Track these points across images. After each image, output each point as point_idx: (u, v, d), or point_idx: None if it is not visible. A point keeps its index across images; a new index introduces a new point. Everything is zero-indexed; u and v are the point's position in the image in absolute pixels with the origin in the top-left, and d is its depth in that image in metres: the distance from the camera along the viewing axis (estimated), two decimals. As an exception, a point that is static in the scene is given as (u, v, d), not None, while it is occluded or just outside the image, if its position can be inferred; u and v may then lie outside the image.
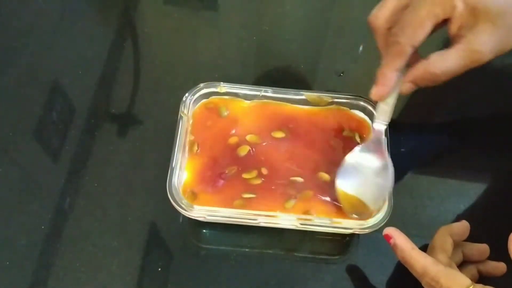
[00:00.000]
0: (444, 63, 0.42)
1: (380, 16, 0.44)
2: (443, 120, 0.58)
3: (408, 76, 0.43)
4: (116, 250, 0.47)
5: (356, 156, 0.47)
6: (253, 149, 0.49)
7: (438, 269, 0.39)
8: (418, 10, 0.40)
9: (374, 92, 0.44)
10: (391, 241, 0.42)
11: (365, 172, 0.47)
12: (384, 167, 0.46)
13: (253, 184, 0.47)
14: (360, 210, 0.46)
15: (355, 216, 0.46)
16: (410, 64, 0.43)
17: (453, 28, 0.41)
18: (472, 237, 0.45)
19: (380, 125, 0.46)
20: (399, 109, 0.58)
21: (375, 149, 0.47)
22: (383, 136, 0.47)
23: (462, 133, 0.58)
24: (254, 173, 0.48)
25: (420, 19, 0.40)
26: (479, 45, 0.40)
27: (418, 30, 0.41)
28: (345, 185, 0.46)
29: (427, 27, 0.41)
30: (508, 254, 0.39)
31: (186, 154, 0.48)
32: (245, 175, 0.48)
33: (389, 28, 0.43)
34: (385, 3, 0.44)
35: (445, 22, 0.41)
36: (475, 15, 0.39)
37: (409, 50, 0.41)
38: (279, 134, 0.50)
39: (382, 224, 0.44)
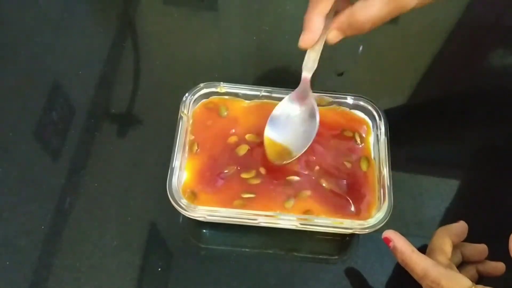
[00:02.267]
0: (368, 10, 0.40)
1: None
2: (443, 120, 0.58)
3: (334, 23, 0.42)
4: (116, 250, 0.47)
5: (284, 106, 0.48)
6: (252, 148, 0.49)
7: (438, 271, 0.39)
8: None
9: (302, 39, 0.43)
10: (391, 244, 0.42)
11: (292, 121, 0.48)
12: (310, 115, 0.47)
13: (252, 184, 0.47)
14: (284, 156, 0.47)
15: (277, 162, 0.47)
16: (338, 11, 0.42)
17: None
18: (471, 238, 0.45)
19: (307, 73, 0.46)
20: (399, 109, 0.58)
21: (302, 97, 0.47)
22: (309, 85, 0.47)
23: (462, 133, 0.58)
24: (252, 173, 0.48)
25: None
26: None
27: None
28: (272, 134, 0.48)
29: None
30: (507, 254, 0.39)
31: (186, 154, 0.48)
32: (244, 175, 0.48)
33: None
34: None
35: None
36: None
37: None
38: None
39: (382, 224, 0.44)
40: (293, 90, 0.52)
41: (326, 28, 0.43)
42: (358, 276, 0.47)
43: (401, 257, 0.42)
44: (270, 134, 0.48)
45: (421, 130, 0.57)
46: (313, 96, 0.48)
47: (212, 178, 0.47)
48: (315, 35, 0.43)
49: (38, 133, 0.54)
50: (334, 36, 0.43)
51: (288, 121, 0.48)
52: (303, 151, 0.47)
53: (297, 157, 0.47)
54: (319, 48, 0.44)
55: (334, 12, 0.43)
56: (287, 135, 0.48)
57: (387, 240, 0.43)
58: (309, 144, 0.47)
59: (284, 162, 0.47)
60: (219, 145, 0.50)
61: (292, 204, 0.46)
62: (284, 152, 0.48)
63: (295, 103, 0.48)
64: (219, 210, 0.45)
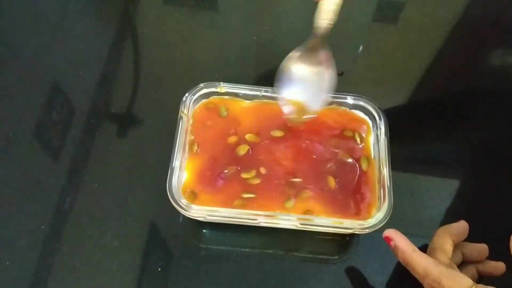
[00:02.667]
0: None
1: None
2: (443, 120, 0.58)
3: None
4: (116, 250, 0.47)
5: (298, 58, 0.46)
6: (252, 148, 0.49)
7: (440, 270, 0.39)
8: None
9: None
10: (392, 243, 0.42)
11: (306, 74, 0.46)
12: (325, 67, 0.46)
13: (252, 184, 0.47)
14: (304, 113, 0.47)
15: (298, 119, 0.46)
16: None
17: None
18: (471, 237, 0.45)
19: (324, 22, 0.44)
20: (399, 109, 0.58)
21: (314, 48, 0.46)
22: (320, 39, 0.45)
23: (462, 133, 0.58)
24: (253, 173, 0.48)
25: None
26: None
27: None
28: (287, 92, 0.47)
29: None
30: (507, 254, 0.39)
31: (186, 154, 0.48)
32: (244, 175, 0.48)
33: None
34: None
35: None
36: None
37: None
38: (279, 134, 0.50)
39: (382, 224, 0.44)
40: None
41: None
42: (358, 276, 0.47)
43: (402, 256, 0.42)
44: (286, 92, 0.47)
45: (421, 130, 0.57)
46: (326, 47, 0.46)
47: (212, 178, 0.47)
48: None
49: (38, 133, 0.54)
50: None
51: (302, 75, 0.46)
52: (321, 104, 0.46)
53: (316, 114, 0.46)
54: None
55: None
56: (303, 91, 0.47)
57: (388, 239, 0.43)
58: (326, 94, 0.46)
59: (304, 117, 0.47)
60: (219, 145, 0.50)
61: (292, 204, 0.46)
62: (302, 108, 0.47)
63: (310, 55, 0.46)
64: (219, 210, 0.45)
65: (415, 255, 0.41)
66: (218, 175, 0.48)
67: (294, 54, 0.46)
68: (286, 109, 0.46)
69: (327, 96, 0.46)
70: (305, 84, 0.46)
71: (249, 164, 0.48)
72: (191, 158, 0.49)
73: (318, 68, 0.46)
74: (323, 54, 0.46)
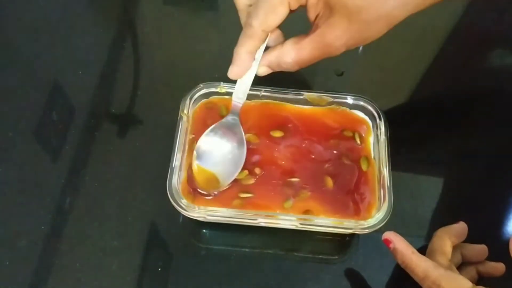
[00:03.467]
0: (297, 53, 0.41)
1: None
2: (443, 121, 0.58)
3: (263, 60, 0.43)
4: (116, 250, 0.47)
5: (213, 134, 0.48)
6: (251, 148, 0.49)
7: (439, 273, 0.39)
8: None
9: (230, 71, 0.44)
10: (391, 245, 0.42)
11: (221, 149, 0.48)
12: (239, 143, 0.48)
13: (247, 184, 0.47)
14: (213, 185, 0.47)
15: (204, 192, 0.46)
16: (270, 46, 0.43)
17: (310, 15, 0.41)
18: (471, 238, 0.45)
19: (237, 103, 0.47)
20: (399, 109, 0.58)
21: (232, 127, 0.48)
22: (238, 112, 0.47)
23: (462, 133, 0.58)
24: (244, 173, 0.48)
25: (272, 4, 0.39)
26: (331, 39, 0.39)
27: (270, 15, 0.40)
28: (202, 161, 0.47)
29: (280, 13, 0.40)
30: (507, 255, 0.39)
31: (186, 154, 0.48)
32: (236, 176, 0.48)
33: (250, 5, 0.43)
34: None
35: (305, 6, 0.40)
36: (330, 7, 0.38)
37: (261, 34, 0.41)
38: (279, 134, 0.50)
39: (382, 224, 0.44)
40: (293, 90, 0.52)
41: (257, 61, 0.43)
42: (358, 276, 0.47)
43: (402, 259, 0.42)
44: (199, 161, 0.47)
45: (421, 130, 0.57)
46: (240, 125, 0.48)
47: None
48: (242, 69, 0.44)
49: (38, 133, 0.54)
50: (263, 71, 0.44)
51: (216, 149, 0.48)
52: (231, 180, 0.47)
53: (225, 187, 0.47)
54: (248, 80, 0.45)
55: (265, 46, 0.43)
56: (215, 163, 0.48)
57: (387, 242, 0.43)
58: (237, 172, 0.47)
59: (213, 190, 0.47)
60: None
61: (291, 204, 0.46)
62: (213, 179, 0.47)
63: (223, 131, 0.48)
64: (219, 210, 0.45)
65: (415, 258, 0.41)
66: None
67: (211, 129, 0.48)
68: (198, 178, 0.47)
69: (237, 171, 0.47)
70: (219, 157, 0.48)
71: (247, 164, 0.48)
72: (190, 155, 0.48)
73: (232, 144, 0.48)
74: (239, 130, 0.48)
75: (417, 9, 0.40)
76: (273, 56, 0.42)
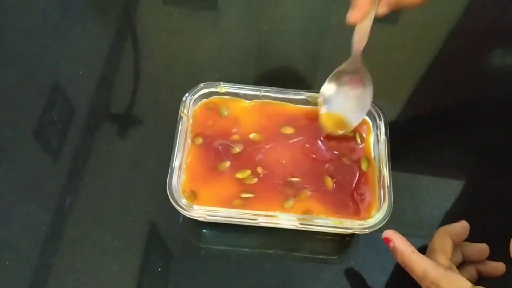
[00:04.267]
0: None
1: None
2: (443, 120, 0.58)
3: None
4: (116, 250, 0.47)
5: (338, 79, 0.49)
6: (251, 148, 0.49)
7: (438, 273, 0.39)
8: None
9: (349, 15, 0.43)
10: (391, 244, 0.42)
11: (346, 92, 0.49)
12: (364, 87, 0.49)
13: (249, 184, 0.47)
14: (342, 127, 0.49)
15: (338, 131, 0.49)
16: None
17: None
18: (471, 238, 0.45)
19: (357, 47, 0.47)
20: (399, 109, 0.58)
21: (356, 70, 0.48)
22: (359, 59, 0.48)
23: (462, 133, 0.58)
24: (247, 173, 0.48)
25: None
26: None
27: None
28: (327, 105, 0.49)
29: None
30: (507, 254, 0.39)
31: (186, 153, 0.48)
32: (238, 175, 0.48)
33: None
34: None
35: None
36: None
37: None
38: (279, 134, 0.50)
39: (382, 224, 0.44)
40: (293, 90, 0.52)
41: (374, 2, 0.43)
42: (358, 276, 0.47)
43: (401, 258, 0.42)
44: (326, 106, 0.49)
45: (421, 130, 0.57)
46: (364, 66, 0.48)
47: (208, 174, 0.48)
48: (363, 12, 0.43)
49: (38, 133, 0.54)
50: (383, 11, 0.44)
51: (342, 95, 0.49)
52: (359, 121, 0.49)
53: (353, 127, 0.49)
54: (368, 24, 0.44)
55: None
56: (342, 105, 0.49)
57: (387, 240, 0.43)
58: (365, 112, 0.49)
59: (341, 132, 0.49)
60: (219, 144, 0.49)
61: (292, 204, 0.46)
62: (341, 122, 0.50)
63: (349, 75, 0.49)
64: (219, 210, 0.45)
65: (414, 257, 0.41)
66: (213, 170, 0.48)
67: (338, 71, 0.49)
68: (326, 122, 0.50)
69: (364, 112, 0.49)
70: (346, 101, 0.50)
71: (246, 164, 0.48)
72: (191, 151, 0.49)
73: (359, 89, 0.49)
74: (365, 75, 0.49)
75: None
76: None
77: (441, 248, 0.43)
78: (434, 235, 0.44)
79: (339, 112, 0.50)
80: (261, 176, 0.48)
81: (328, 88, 0.49)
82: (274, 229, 0.46)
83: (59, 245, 0.47)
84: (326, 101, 0.49)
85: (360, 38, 0.46)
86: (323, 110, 0.49)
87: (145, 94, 0.57)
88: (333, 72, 0.49)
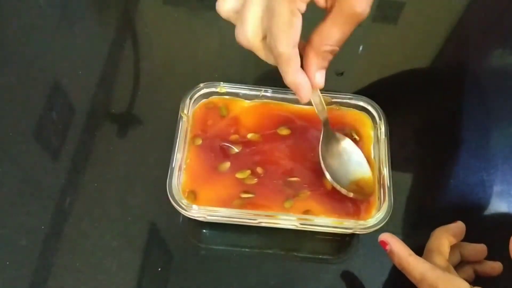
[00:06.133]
0: (329, 39, 0.39)
1: (249, 33, 0.40)
2: (443, 120, 0.58)
3: (311, 67, 0.41)
4: (116, 250, 0.47)
5: (327, 150, 0.48)
6: (251, 148, 0.49)
7: (436, 275, 0.39)
8: (278, 10, 0.36)
9: (301, 99, 0.42)
10: (387, 247, 0.42)
11: (340, 159, 0.48)
12: (347, 149, 0.48)
13: (249, 184, 0.47)
14: (364, 190, 0.47)
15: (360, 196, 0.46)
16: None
17: (320, 2, 0.38)
18: (471, 238, 0.45)
19: (322, 116, 0.46)
20: (399, 109, 0.58)
21: (330, 138, 0.48)
22: (328, 125, 0.47)
23: (462, 133, 0.58)
24: (247, 173, 0.48)
25: (285, 21, 0.37)
26: (355, 7, 0.37)
27: (290, 31, 0.37)
28: (340, 178, 0.47)
29: (297, 23, 0.37)
30: (506, 255, 0.39)
31: (186, 153, 0.48)
32: (238, 175, 0.48)
33: (264, 38, 0.40)
34: (245, 19, 0.39)
35: None
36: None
37: (294, 52, 0.39)
38: (279, 134, 0.50)
39: (382, 224, 0.44)
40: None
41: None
42: (358, 276, 0.47)
43: (398, 261, 0.41)
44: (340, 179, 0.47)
45: (421, 130, 0.57)
46: (337, 134, 0.48)
47: (208, 175, 0.48)
48: (307, 89, 0.41)
49: (38, 133, 0.54)
50: (320, 77, 0.42)
51: (331, 161, 0.48)
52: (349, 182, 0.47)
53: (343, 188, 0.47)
54: (316, 92, 0.44)
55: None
56: (333, 172, 0.47)
57: (384, 244, 0.43)
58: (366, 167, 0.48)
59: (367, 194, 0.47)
60: (219, 144, 0.50)
61: (292, 204, 0.46)
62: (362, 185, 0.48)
63: (327, 146, 0.48)
64: (219, 210, 0.45)
65: (411, 260, 0.41)
66: (214, 171, 0.48)
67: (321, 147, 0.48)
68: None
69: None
70: (334, 165, 0.48)
71: (246, 164, 0.48)
72: (191, 151, 0.49)
73: (340, 151, 0.49)
74: (338, 139, 0.48)
75: None
76: (311, 55, 0.40)
77: (438, 249, 0.42)
78: (431, 236, 0.44)
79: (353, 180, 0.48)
80: (261, 176, 0.48)
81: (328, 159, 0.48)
82: (274, 229, 0.46)
83: (59, 245, 0.47)
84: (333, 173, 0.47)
85: (319, 107, 0.45)
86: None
87: (145, 94, 0.57)
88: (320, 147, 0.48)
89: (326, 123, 0.47)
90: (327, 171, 0.46)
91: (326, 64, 0.41)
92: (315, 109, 0.46)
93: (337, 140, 0.48)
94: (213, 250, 0.48)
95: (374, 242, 0.48)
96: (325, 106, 0.46)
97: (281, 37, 0.37)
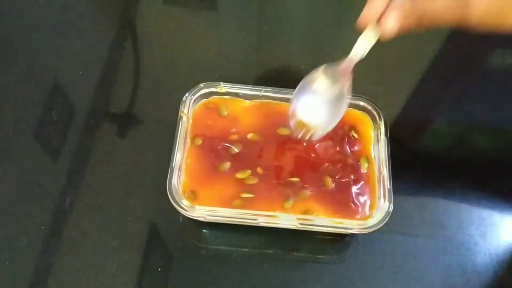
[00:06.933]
0: (434, 1, 0.38)
1: None
2: (443, 120, 0.58)
3: (391, 8, 0.40)
4: (116, 250, 0.47)
5: (319, 78, 0.46)
6: (250, 148, 0.49)
7: None
8: None
9: (362, 15, 0.40)
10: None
11: (322, 96, 0.46)
12: (341, 95, 0.46)
13: (250, 184, 0.47)
14: (307, 132, 0.47)
15: (299, 136, 0.47)
16: None
17: None
18: (471, 238, 0.45)
19: (355, 56, 0.44)
20: (399, 109, 0.58)
21: (340, 76, 0.45)
22: (351, 68, 0.45)
23: (462, 133, 0.58)
24: (247, 173, 0.48)
25: None
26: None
27: None
28: (299, 107, 0.46)
29: None
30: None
31: (186, 153, 0.48)
32: (239, 175, 0.48)
33: None
34: None
35: None
36: None
37: None
38: (279, 134, 0.50)
39: (382, 224, 0.44)
40: (293, 90, 0.52)
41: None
42: (358, 276, 0.47)
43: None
44: (298, 107, 0.46)
45: (421, 130, 0.57)
46: (350, 79, 0.46)
47: (208, 175, 0.48)
48: (374, 12, 0.40)
49: (38, 133, 0.54)
50: (391, 22, 0.40)
51: (318, 96, 0.46)
52: (326, 132, 0.47)
53: (319, 135, 0.46)
54: (373, 35, 0.42)
55: None
56: (314, 112, 0.47)
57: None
58: (333, 125, 0.46)
59: (303, 137, 0.47)
60: (219, 144, 0.50)
61: (292, 204, 0.46)
62: (308, 130, 0.47)
63: (331, 78, 0.46)
64: (219, 210, 0.45)
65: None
66: (214, 171, 0.48)
67: (321, 68, 0.46)
68: (292, 124, 0.47)
69: (333, 125, 0.46)
70: (319, 106, 0.46)
71: (246, 164, 0.48)
72: (191, 151, 0.49)
73: (336, 93, 0.46)
74: (347, 83, 0.46)
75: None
76: (405, 2, 0.39)
77: None
78: None
79: (309, 120, 0.47)
80: (261, 176, 0.48)
81: (308, 83, 0.46)
82: (274, 229, 0.46)
83: (59, 245, 0.47)
84: (300, 97, 0.46)
85: (360, 48, 0.43)
86: (295, 111, 0.46)
87: (145, 94, 0.57)
88: (320, 71, 0.46)
89: (350, 62, 0.44)
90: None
91: (407, 18, 0.40)
92: (356, 44, 0.43)
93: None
94: (213, 250, 0.48)
95: (374, 242, 0.48)
96: (364, 53, 0.43)
97: None
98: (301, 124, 0.47)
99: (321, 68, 0.46)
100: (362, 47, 0.43)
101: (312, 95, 0.46)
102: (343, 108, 0.46)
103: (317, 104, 0.47)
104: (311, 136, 0.47)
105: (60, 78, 0.58)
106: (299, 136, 0.47)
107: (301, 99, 0.47)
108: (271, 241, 0.48)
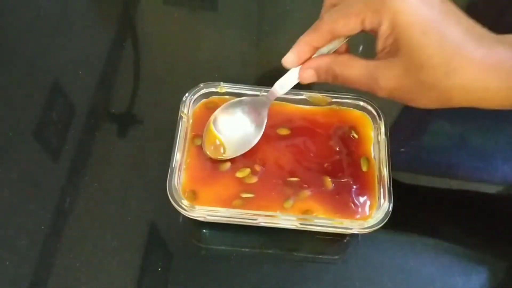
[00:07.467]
0: (348, 69, 0.40)
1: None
2: (443, 120, 0.58)
3: (312, 63, 0.42)
4: (116, 250, 0.47)
5: (238, 106, 0.49)
6: (253, 147, 0.49)
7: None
8: (353, 3, 0.38)
9: (284, 58, 0.42)
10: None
11: (239, 122, 0.49)
12: (257, 126, 0.48)
13: (249, 183, 0.47)
14: (217, 152, 0.48)
15: (208, 153, 0.48)
16: None
17: (378, 46, 0.38)
18: (471, 238, 0.45)
19: (277, 90, 0.46)
20: (399, 109, 0.58)
21: (259, 106, 0.48)
22: (272, 100, 0.47)
23: (462, 133, 0.58)
24: (247, 171, 0.48)
25: (348, 12, 0.38)
26: (380, 76, 0.38)
27: (342, 19, 0.38)
28: (216, 125, 0.49)
29: (351, 23, 0.38)
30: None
31: (186, 153, 0.48)
32: (238, 174, 0.48)
33: (335, 5, 0.41)
34: None
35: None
36: (397, 47, 0.36)
37: (326, 33, 0.39)
38: (278, 134, 0.50)
39: (382, 224, 0.44)
40: (293, 90, 0.52)
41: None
42: (358, 276, 0.47)
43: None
44: (214, 124, 0.49)
45: (421, 130, 0.57)
46: (267, 111, 0.48)
47: (208, 175, 0.48)
48: (296, 59, 0.42)
49: (38, 133, 0.54)
50: (308, 75, 0.43)
51: (235, 121, 0.49)
52: (235, 155, 0.48)
53: (227, 157, 0.48)
54: (295, 77, 0.44)
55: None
56: (228, 132, 0.49)
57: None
58: (244, 151, 0.48)
59: (213, 156, 0.48)
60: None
61: (292, 204, 0.46)
62: (219, 146, 0.49)
63: (249, 107, 0.49)
64: (219, 210, 0.45)
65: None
66: (213, 171, 0.48)
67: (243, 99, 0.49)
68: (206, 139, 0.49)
69: (242, 151, 0.48)
70: (233, 129, 0.49)
71: (246, 164, 0.48)
72: (191, 151, 0.49)
73: (251, 123, 0.49)
74: (264, 114, 0.48)
75: (479, 104, 0.40)
76: (324, 60, 0.41)
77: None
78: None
79: (222, 136, 0.49)
80: (261, 176, 0.48)
81: (225, 108, 0.49)
82: (274, 229, 0.46)
83: (59, 245, 0.47)
84: (217, 120, 0.49)
85: (281, 85, 0.45)
86: (210, 124, 0.49)
87: (145, 94, 0.57)
88: (241, 99, 0.49)
89: (273, 95, 0.47)
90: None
91: (321, 74, 0.42)
92: (283, 78, 0.45)
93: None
94: (213, 250, 0.48)
95: (374, 242, 0.48)
96: (285, 90, 0.46)
97: (333, 13, 0.39)
98: (214, 137, 0.49)
99: (238, 100, 0.49)
100: (283, 86, 0.46)
101: (233, 115, 0.49)
102: (255, 140, 0.48)
103: (235, 125, 0.49)
104: (223, 152, 0.48)
105: (60, 78, 0.58)
106: (211, 149, 0.48)
107: (222, 115, 0.49)
108: (271, 241, 0.48)
